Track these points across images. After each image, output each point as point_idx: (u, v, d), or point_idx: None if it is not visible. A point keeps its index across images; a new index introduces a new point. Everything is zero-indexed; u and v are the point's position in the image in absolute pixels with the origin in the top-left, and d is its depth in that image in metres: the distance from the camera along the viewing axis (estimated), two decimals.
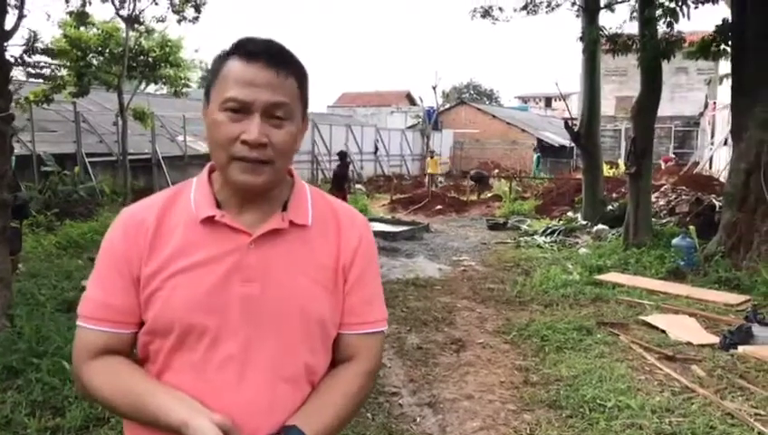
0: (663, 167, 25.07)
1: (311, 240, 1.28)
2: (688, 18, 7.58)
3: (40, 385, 3.87)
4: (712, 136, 24.20)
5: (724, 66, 9.68)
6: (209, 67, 1.29)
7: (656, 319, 5.87)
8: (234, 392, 1.18)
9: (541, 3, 12.80)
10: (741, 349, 4.99)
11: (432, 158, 23.92)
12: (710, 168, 21.56)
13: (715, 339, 5.29)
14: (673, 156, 28.34)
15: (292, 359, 1.23)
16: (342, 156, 13.82)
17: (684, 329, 5.58)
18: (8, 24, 4.75)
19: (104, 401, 1.21)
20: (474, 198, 18.20)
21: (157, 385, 1.20)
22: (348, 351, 1.31)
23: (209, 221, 1.23)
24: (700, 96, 29.53)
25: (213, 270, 1.20)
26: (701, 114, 29.62)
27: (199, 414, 1.12)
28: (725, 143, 8.66)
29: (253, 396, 1.19)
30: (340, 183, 13.31)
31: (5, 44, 4.59)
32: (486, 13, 13.05)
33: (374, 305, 1.33)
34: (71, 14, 12.75)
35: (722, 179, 11.06)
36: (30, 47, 5.17)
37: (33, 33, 5.55)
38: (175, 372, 1.21)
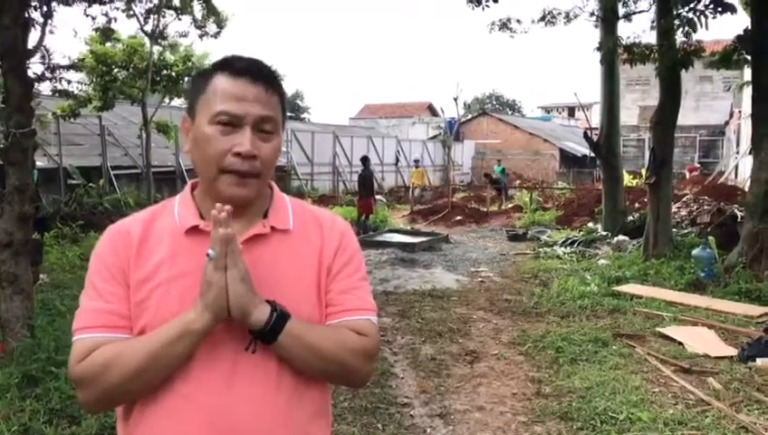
0: (688, 176, 24.79)
1: (294, 244, 1.32)
2: (706, 28, 7.53)
3: (58, 394, 3.95)
4: (737, 145, 23.85)
5: (749, 74, 9.61)
6: (191, 85, 1.34)
7: (673, 331, 5.81)
8: (224, 396, 1.20)
9: (559, 14, 12.78)
10: (759, 361, 4.91)
11: (417, 168, 21.97)
12: (736, 177, 21.26)
13: (734, 351, 5.22)
14: (698, 165, 28.00)
15: (281, 362, 1.24)
16: (365, 161, 13.91)
17: (701, 341, 5.51)
18: (31, 42, 4.91)
19: (116, 370, 1.18)
20: (494, 208, 18.16)
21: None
22: None
23: (194, 231, 1.27)
24: (725, 105, 29.19)
25: (199, 278, 1.20)
26: (726, 123, 29.23)
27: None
28: (751, 152, 8.56)
29: (243, 398, 1.21)
30: (368, 189, 13.38)
31: (28, 62, 4.74)
32: (504, 25, 13.04)
33: (352, 295, 1.33)
34: (97, 30, 13.05)
35: (746, 189, 10.90)
36: (48, 66, 5.32)
37: (46, 50, 5.66)
38: (167, 379, 1.22)
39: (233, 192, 1.23)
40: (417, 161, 23.49)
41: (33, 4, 5.61)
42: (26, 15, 4.79)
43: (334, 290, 1.32)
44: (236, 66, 1.25)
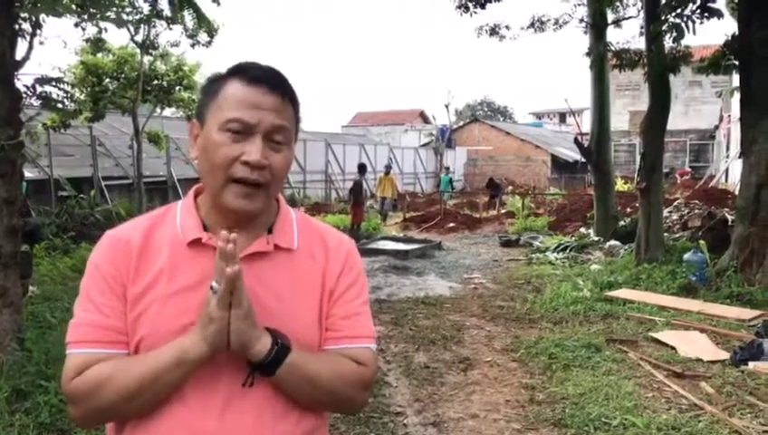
0: (679, 181, 24.93)
1: (297, 264, 1.28)
2: (694, 33, 7.59)
3: (47, 408, 3.91)
4: (727, 149, 24.00)
5: (738, 79, 9.71)
6: (203, 89, 1.29)
7: (666, 335, 5.81)
8: (218, 420, 1.17)
9: (548, 20, 12.86)
10: (751, 365, 4.92)
11: (387, 174, 17.78)
12: (726, 181, 21.37)
13: (726, 355, 5.23)
14: (689, 170, 28.18)
15: (274, 384, 1.20)
16: (361, 168, 13.96)
17: (694, 345, 5.52)
18: (20, 54, 4.89)
19: (109, 391, 1.15)
20: (486, 214, 18.18)
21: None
22: None
23: (196, 244, 1.22)
24: (715, 109, 29.37)
25: (198, 294, 1.17)
26: (716, 127, 29.43)
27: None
28: (740, 156, 8.62)
29: (238, 420, 1.18)
30: (358, 197, 13.39)
31: (16, 73, 4.72)
32: (493, 31, 13.10)
33: (353, 321, 1.29)
34: (87, 40, 13.02)
35: (736, 193, 10.97)
36: (42, 80, 5.26)
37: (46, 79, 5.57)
38: (162, 401, 1.19)
39: (239, 205, 1.19)
40: (388, 167, 19.00)
41: (22, 15, 5.58)
42: (14, 26, 4.76)
43: (336, 315, 1.29)
44: (252, 73, 1.20)
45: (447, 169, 26.97)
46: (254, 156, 1.16)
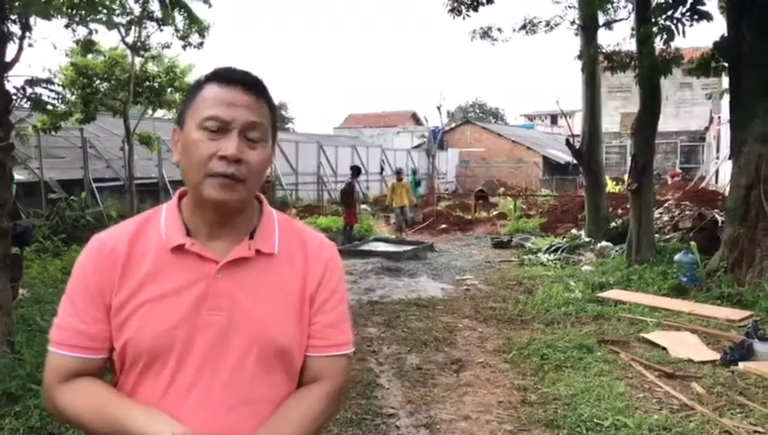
0: (669, 182, 25.04)
1: (278, 269, 1.30)
2: (683, 35, 7.64)
3: (38, 411, 3.88)
4: (717, 150, 24.14)
5: (727, 81, 9.78)
6: (185, 95, 1.34)
7: (657, 336, 5.84)
8: (196, 419, 1.19)
9: (539, 23, 12.91)
10: (741, 365, 4.96)
11: (400, 181, 15.54)
12: (716, 182, 21.50)
13: (717, 355, 5.26)
14: (679, 171, 28.31)
15: (255, 387, 1.24)
16: (356, 171, 13.98)
17: (685, 346, 5.55)
18: (9, 55, 4.86)
19: (76, 419, 1.23)
20: (478, 215, 18.21)
21: (128, 401, 1.22)
22: (311, 373, 1.33)
23: (179, 249, 1.25)
24: (705, 111, 29.56)
25: (182, 299, 1.22)
26: (706, 129, 29.60)
27: (172, 427, 1.13)
28: (730, 158, 8.68)
29: (214, 423, 1.20)
30: (349, 200, 13.39)
31: (6, 75, 4.69)
32: (485, 34, 13.15)
33: (337, 329, 1.34)
34: (77, 42, 12.94)
35: (726, 194, 11.02)
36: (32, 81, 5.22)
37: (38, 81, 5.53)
38: (141, 397, 1.24)
39: (217, 196, 1.21)
40: (400, 172, 16.57)
41: (12, 17, 5.55)
42: (4, 29, 4.74)
43: (321, 322, 1.33)
44: (228, 75, 1.25)
45: (414, 171, 27.08)
46: (230, 150, 1.20)
